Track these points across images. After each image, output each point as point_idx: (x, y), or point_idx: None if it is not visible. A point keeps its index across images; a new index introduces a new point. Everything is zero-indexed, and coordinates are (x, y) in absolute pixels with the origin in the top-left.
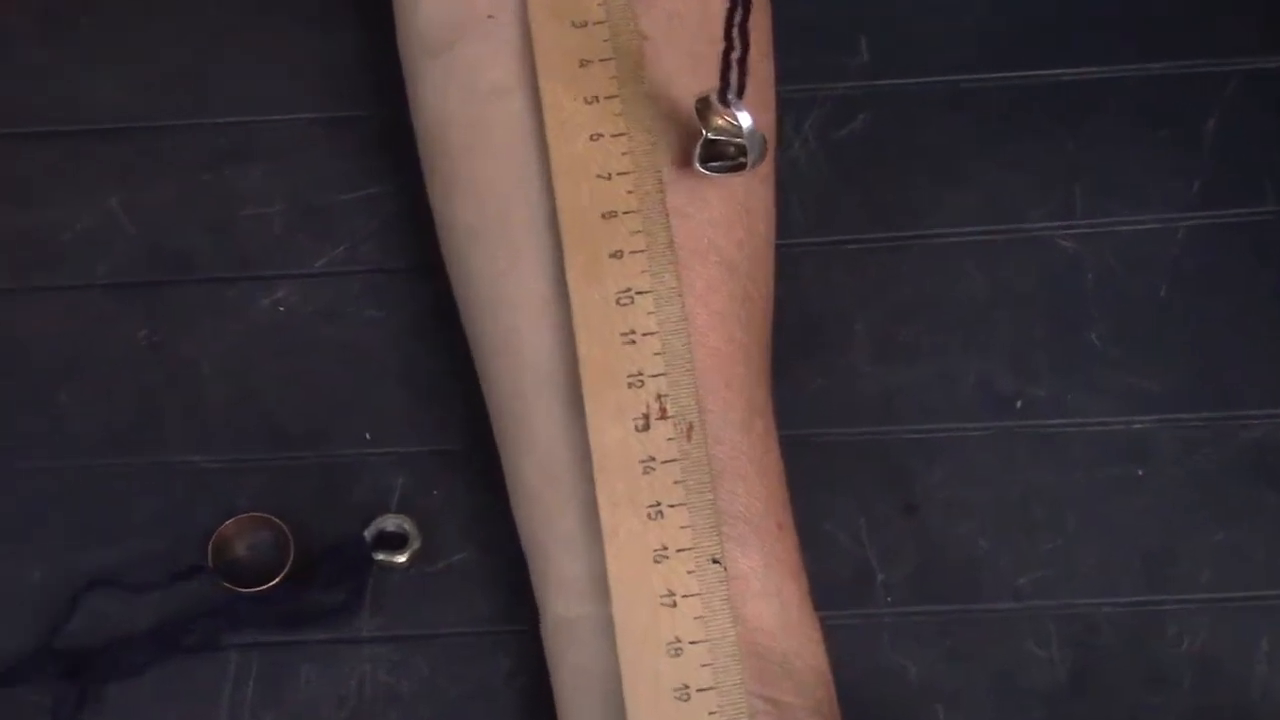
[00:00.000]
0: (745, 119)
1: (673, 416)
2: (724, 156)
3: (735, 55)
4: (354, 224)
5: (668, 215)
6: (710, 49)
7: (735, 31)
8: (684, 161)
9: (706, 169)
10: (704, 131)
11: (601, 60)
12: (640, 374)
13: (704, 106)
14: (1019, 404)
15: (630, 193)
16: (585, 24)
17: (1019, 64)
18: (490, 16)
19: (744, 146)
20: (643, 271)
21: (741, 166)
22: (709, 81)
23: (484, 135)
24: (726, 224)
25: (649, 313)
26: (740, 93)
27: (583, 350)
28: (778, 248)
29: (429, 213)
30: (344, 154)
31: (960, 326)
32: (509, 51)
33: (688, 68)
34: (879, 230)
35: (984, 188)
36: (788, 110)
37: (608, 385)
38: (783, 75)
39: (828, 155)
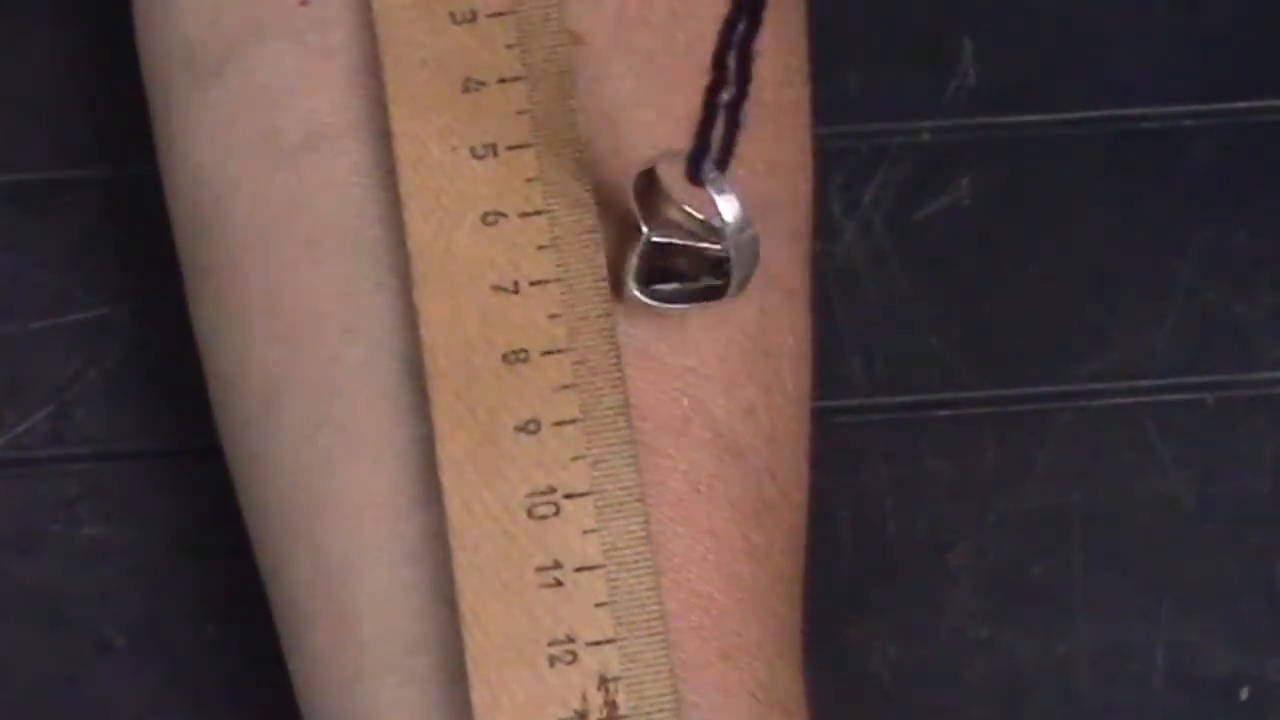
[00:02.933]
0: (729, 207)
1: (628, 718)
2: (677, 274)
3: (727, 96)
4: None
5: (620, 359)
6: (687, 64)
7: (732, 55)
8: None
9: (649, 296)
10: (643, 228)
11: (503, 81)
12: (570, 640)
13: (648, 185)
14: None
15: (554, 318)
16: (474, 17)
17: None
18: (304, 2)
19: (718, 256)
20: (576, 458)
21: (713, 293)
22: (688, 121)
23: (291, 213)
24: (726, 375)
25: (587, 530)
26: (724, 162)
27: (467, 598)
28: (821, 416)
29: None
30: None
31: (1148, 560)
32: (337, 65)
33: (651, 92)
34: (993, 385)
35: (1180, 306)
36: (835, 171)
37: (509, 660)
38: (827, 110)
39: (905, 251)
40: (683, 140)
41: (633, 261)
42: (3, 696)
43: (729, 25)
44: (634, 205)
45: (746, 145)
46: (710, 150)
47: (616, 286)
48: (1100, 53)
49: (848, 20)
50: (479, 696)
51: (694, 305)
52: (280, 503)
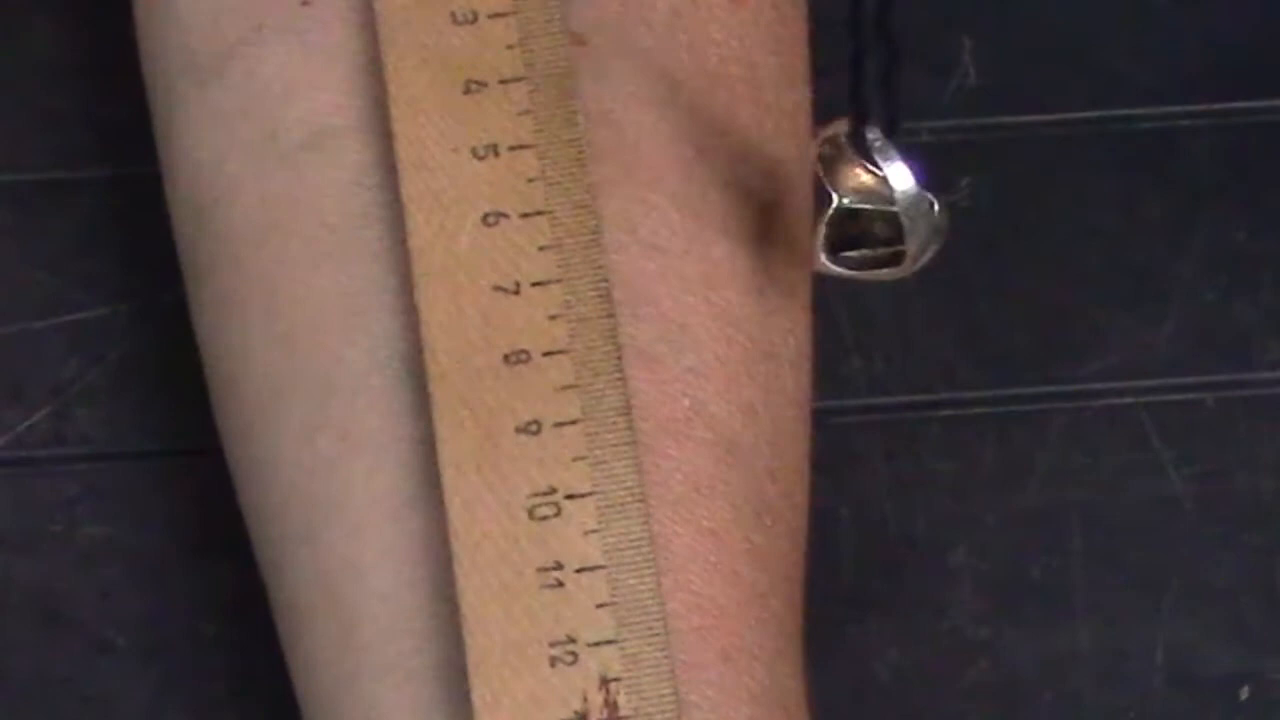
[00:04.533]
0: (901, 175)
1: (628, 719)
2: (867, 240)
3: (878, 61)
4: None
5: (621, 359)
6: (696, 62)
7: (869, 21)
8: (649, 266)
9: (839, 264)
10: (832, 195)
11: (504, 81)
12: (571, 641)
13: (833, 151)
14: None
15: (555, 318)
16: (475, 18)
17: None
18: (306, 2)
19: (898, 222)
20: (577, 459)
21: (897, 259)
22: (691, 121)
23: (291, 213)
24: (726, 375)
25: (589, 531)
26: (891, 129)
27: (467, 597)
28: (823, 416)
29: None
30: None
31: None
32: (337, 64)
33: (653, 93)
34: (994, 384)
35: (1180, 307)
36: None
37: (510, 660)
38: (827, 110)
39: None
40: (684, 141)
41: (820, 229)
42: (3, 696)
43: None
44: (819, 172)
45: (746, 146)
46: (872, 119)
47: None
48: (1100, 53)
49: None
50: (479, 697)
51: (878, 273)
52: (281, 503)
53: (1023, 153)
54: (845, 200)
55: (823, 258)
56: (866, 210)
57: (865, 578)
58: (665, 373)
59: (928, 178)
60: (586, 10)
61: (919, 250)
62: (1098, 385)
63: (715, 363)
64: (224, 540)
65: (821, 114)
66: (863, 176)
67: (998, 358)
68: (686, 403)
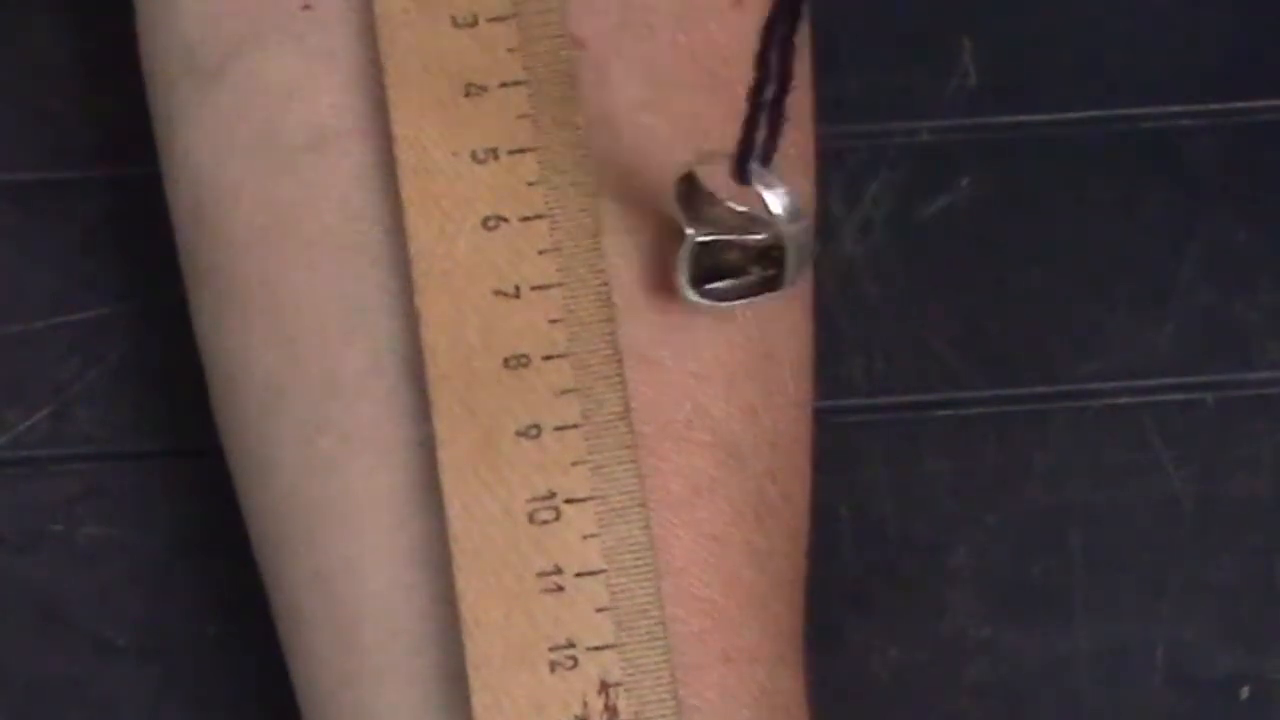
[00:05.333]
0: (778, 201)
1: None
2: (731, 269)
3: (770, 93)
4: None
5: (621, 363)
6: (697, 64)
7: (774, 52)
8: (649, 267)
9: (705, 296)
10: (686, 230)
11: (504, 85)
12: (571, 645)
13: (689, 188)
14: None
15: (555, 322)
16: (475, 22)
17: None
18: (306, 6)
19: (765, 247)
20: (577, 463)
21: (769, 285)
22: (692, 125)
23: (292, 216)
24: (727, 378)
25: (588, 535)
26: (768, 158)
27: (467, 600)
28: (823, 416)
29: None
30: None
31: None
32: (339, 68)
33: (654, 96)
34: (994, 384)
35: (1180, 307)
36: (836, 171)
37: (510, 664)
38: (827, 109)
39: (905, 251)
40: (685, 145)
41: (682, 264)
42: (3, 696)
43: (771, 25)
44: (676, 209)
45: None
46: (755, 149)
47: (673, 291)
48: (1100, 53)
49: (848, 20)
50: (479, 701)
51: (752, 299)
52: (281, 505)
53: (1023, 153)
54: (698, 235)
55: (688, 292)
56: (726, 241)
57: (865, 578)
58: (666, 376)
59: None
60: (587, 14)
61: (798, 267)
62: (1098, 385)
63: (716, 365)
64: (224, 540)
65: (823, 114)
66: (716, 209)
67: (998, 358)
68: (687, 406)
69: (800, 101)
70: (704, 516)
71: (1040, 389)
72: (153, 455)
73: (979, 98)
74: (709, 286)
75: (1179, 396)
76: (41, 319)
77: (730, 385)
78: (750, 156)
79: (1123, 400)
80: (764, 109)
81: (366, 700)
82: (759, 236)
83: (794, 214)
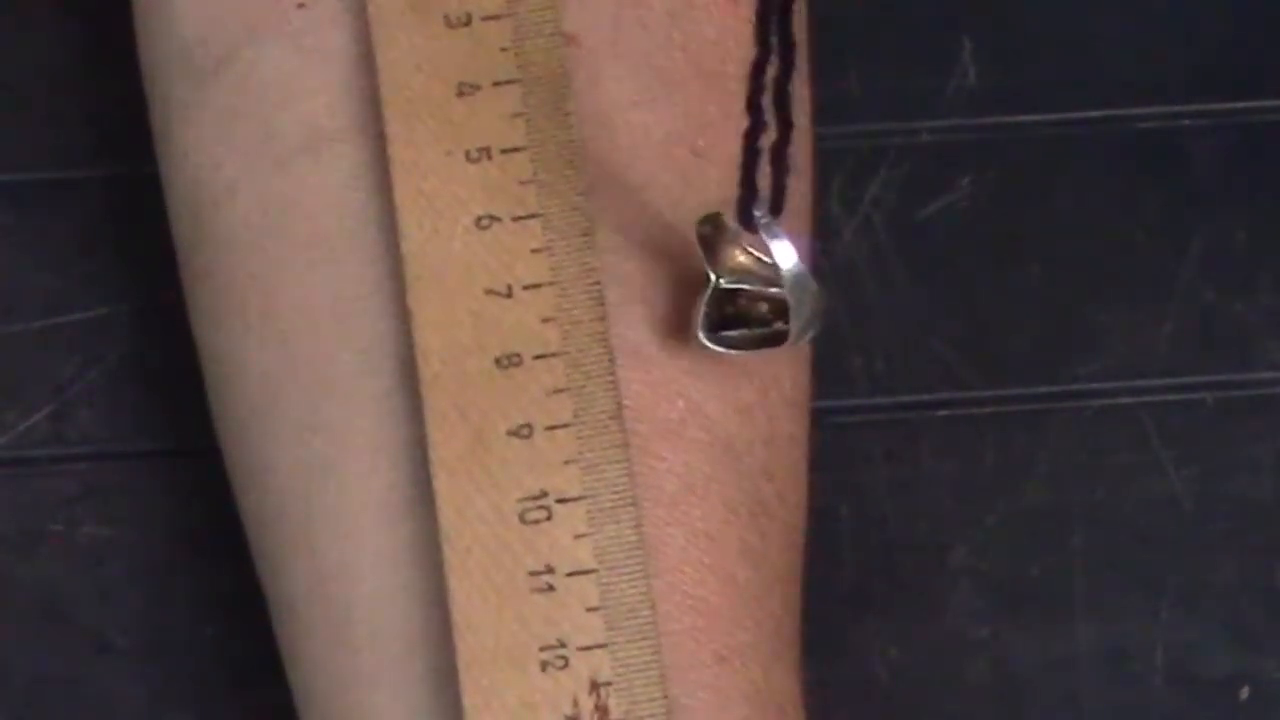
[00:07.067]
0: (785, 254)
1: None
2: (747, 319)
3: (771, 139)
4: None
5: (613, 361)
6: (692, 63)
7: (768, 96)
8: (642, 265)
9: (716, 343)
10: (711, 275)
11: (497, 84)
12: (562, 645)
13: (713, 230)
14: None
15: (547, 322)
16: (469, 21)
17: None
18: (301, 5)
19: (782, 302)
20: (568, 462)
21: (778, 338)
22: (686, 123)
23: (288, 216)
24: (722, 375)
25: (579, 535)
26: (777, 207)
27: (458, 600)
28: (823, 416)
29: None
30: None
31: (1144, 564)
32: (332, 67)
33: (648, 94)
34: (994, 384)
35: (1180, 306)
36: (835, 171)
37: (500, 663)
38: (827, 109)
39: (905, 251)
40: (679, 143)
41: (700, 308)
42: (3, 696)
43: (758, 69)
44: (700, 251)
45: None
46: (758, 196)
47: (684, 330)
48: (1100, 53)
49: (848, 20)
50: (470, 700)
51: (759, 351)
52: (276, 505)
53: (1023, 153)
54: (723, 280)
55: (701, 337)
56: (746, 290)
57: (865, 578)
58: (660, 373)
59: (815, 256)
60: (581, 12)
61: (802, 329)
62: (1098, 385)
63: (710, 363)
64: (224, 540)
65: (822, 115)
66: (741, 257)
67: (998, 358)
68: (681, 403)
69: (799, 103)
70: (698, 514)
71: (1040, 389)
72: (153, 455)
73: (979, 98)
74: (723, 334)
75: (1178, 396)
76: (41, 319)
77: (725, 383)
78: (753, 204)
79: (1122, 400)
80: (763, 155)
81: (359, 701)
82: (773, 290)
83: (799, 269)
